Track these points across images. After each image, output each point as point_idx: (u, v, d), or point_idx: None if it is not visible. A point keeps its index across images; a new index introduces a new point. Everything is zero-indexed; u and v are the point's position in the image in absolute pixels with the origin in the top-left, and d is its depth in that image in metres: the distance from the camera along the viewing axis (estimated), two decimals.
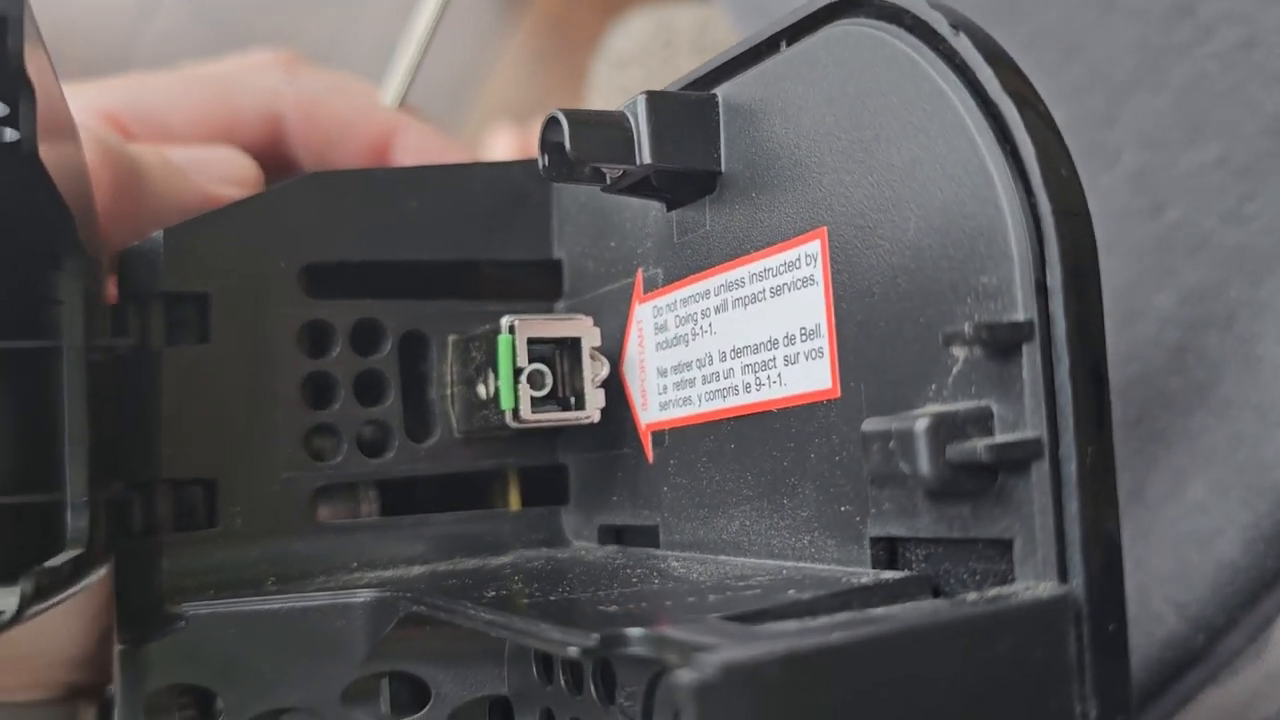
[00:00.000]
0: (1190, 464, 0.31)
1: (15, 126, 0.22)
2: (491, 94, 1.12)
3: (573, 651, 0.18)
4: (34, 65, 0.22)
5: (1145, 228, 0.33)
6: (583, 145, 0.25)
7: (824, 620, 0.18)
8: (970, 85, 0.20)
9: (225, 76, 0.38)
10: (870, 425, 0.20)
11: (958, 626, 0.17)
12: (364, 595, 0.26)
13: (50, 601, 0.25)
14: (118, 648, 0.27)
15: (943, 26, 0.20)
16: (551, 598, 0.23)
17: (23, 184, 0.23)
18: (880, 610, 0.19)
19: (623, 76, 0.70)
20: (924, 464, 0.19)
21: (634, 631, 0.17)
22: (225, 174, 0.35)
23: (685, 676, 0.15)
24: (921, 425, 0.19)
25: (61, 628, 0.31)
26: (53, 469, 0.27)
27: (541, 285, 0.32)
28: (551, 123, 0.25)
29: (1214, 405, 0.31)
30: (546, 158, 0.26)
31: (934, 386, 0.20)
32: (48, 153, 0.23)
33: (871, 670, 0.16)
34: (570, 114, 0.25)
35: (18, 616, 0.22)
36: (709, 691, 0.15)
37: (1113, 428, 0.19)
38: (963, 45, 0.20)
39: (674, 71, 0.71)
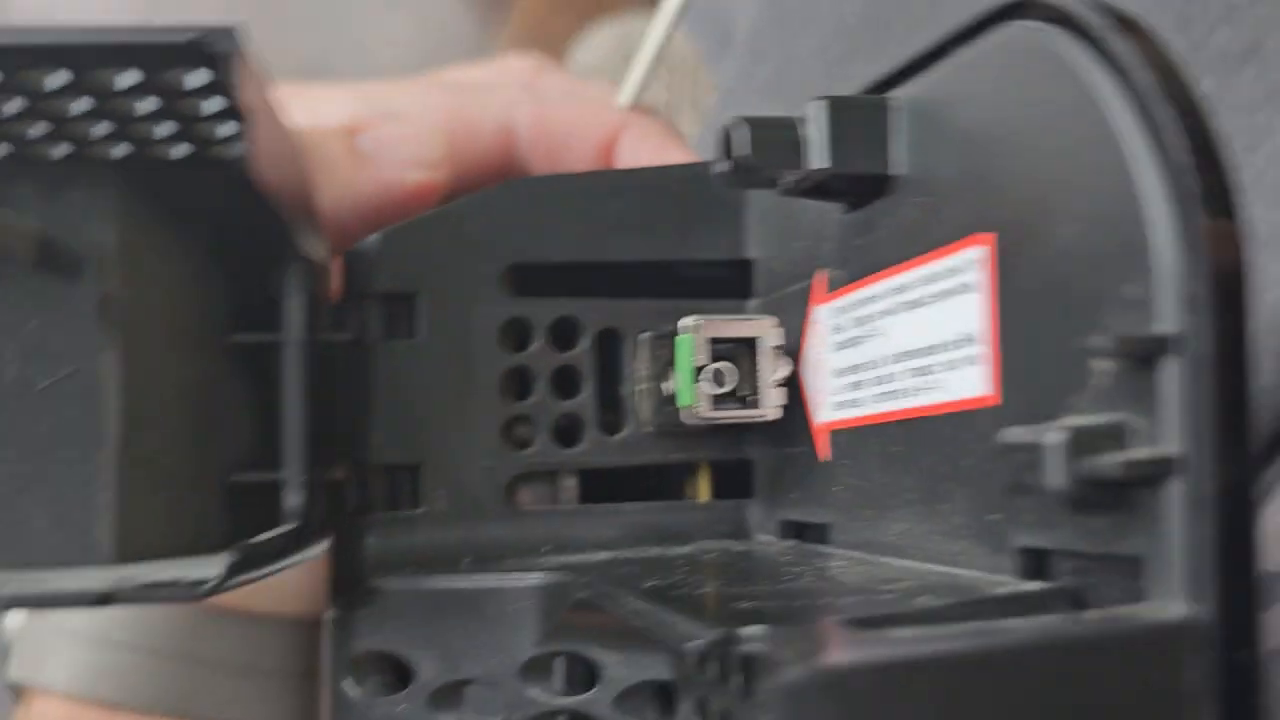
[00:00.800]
0: None
1: (237, 150, 0.25)
2: None
3: (689, 646, 0.19)
4: (251, 92, 0.24)
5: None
6: (761, 150, 0.26)
7: (940, 629, 0.18)
8: (1129, 91, 0.19)
9: (467, 87, 0.41)
10: (1008, 436, 0.20)
11: (1068, 643, 0.17)
12: (540, 578, 0.28)
13: (262, 571, 0.27)
14: (328, 614, 0.30)
15: (1103, 30, 0.20)
16: (700, 591, 0.23)
17: (247, 198, 0.26)
18: (1006, 622, 0.19)
19: None
20: (1054, 476, 0.19)
21: (748, 630, 0.18)
22: (411, 156, 0.36)
23: (776, 677, 0.15)
24: (1053, 438, 0.19)
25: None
26: (281, 452, 0.30)
27: (734, 284, 0.33)
28: (730, 128, 0.26)
29: None
30: (726, 164, 0.27)
31: (1078, 397, 0.20)
32: (265, 171, 0.25)
33: (968, 684, 0.16)
34: (750, 120, 0.26)
35: (220, 585, 0.24)
36: (795, 693, 0.15)
37: (1251, 453, 0.18)
38: (1122, 49, 0.20)
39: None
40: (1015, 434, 0.20)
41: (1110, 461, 0.18)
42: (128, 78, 0.24)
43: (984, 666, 0.17)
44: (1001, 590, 0.21)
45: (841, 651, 0.16)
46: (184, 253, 0.30)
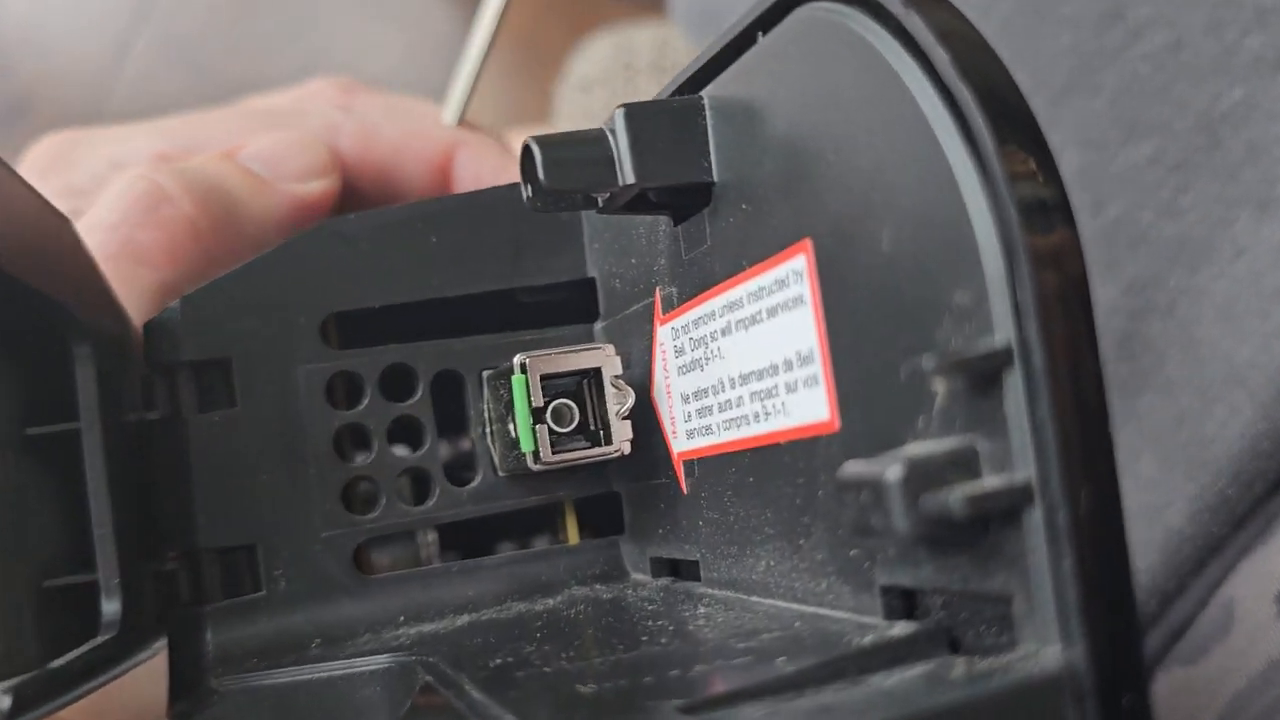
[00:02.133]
0: (1140, 442, 0.33)
1: None
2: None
3: None
4: None
5: (1088, 224, 0.35)
6: (557, 174, 0.23)
7: (795, 705, 0.16)
8: (928, 70, 0.17)
9: (281, 112, 0.38)
10: (847, 470, 0.18)
11: (937, 714, 0.15)
12: (384, 661, 0.25)
13: (72, 694, 0.24)
14: None
15: (893, 4, 0.18)
16: (547, 668, 0.21)
17: (13, 290, 0.23)
18: (875, 679, 0.17)
19: (587, 99, 0.70)
20: (898, 519, 0.16)
21: None
22: (304, 168, 0.34)
23: None
24: (892, 474, 0.16)
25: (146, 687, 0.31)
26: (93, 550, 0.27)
27: (577, 307, 0.31)
28: (526, 153, 0.24)
29: (1159, 387, 0.33)
30: (529, 189, 0.24)
31: (921, 420, 0.18)
32: (15, 261, 0.22)
33: None
34: (543, 141, 0.23)
35: None
36: None
37: (1116, 467, 0.16)
38: (914, 24, 0.17)
39: (636, 92, 0.69)
40: (852, 469, 0.18)
41: (957, 497, 0.16)
42: None
43: None
44: (867, 640, 0.18)
45: None
46: None
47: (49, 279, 0.25)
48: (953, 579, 0.18)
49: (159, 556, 0.29)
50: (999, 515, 0.16)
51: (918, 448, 0.17)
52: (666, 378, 0.27)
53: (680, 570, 0.28)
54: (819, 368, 0.20)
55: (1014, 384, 0.16)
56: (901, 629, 0.19)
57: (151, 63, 1.08)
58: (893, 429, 0.18)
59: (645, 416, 0.28)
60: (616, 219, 0.28)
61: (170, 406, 0.29)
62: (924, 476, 0.16)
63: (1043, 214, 0.16)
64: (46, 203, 0.26)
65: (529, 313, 0.31)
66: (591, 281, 0.31)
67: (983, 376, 0.16)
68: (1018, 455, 0.16)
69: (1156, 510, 0.32)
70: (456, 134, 0.37)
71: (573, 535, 0.31)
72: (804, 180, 0.20)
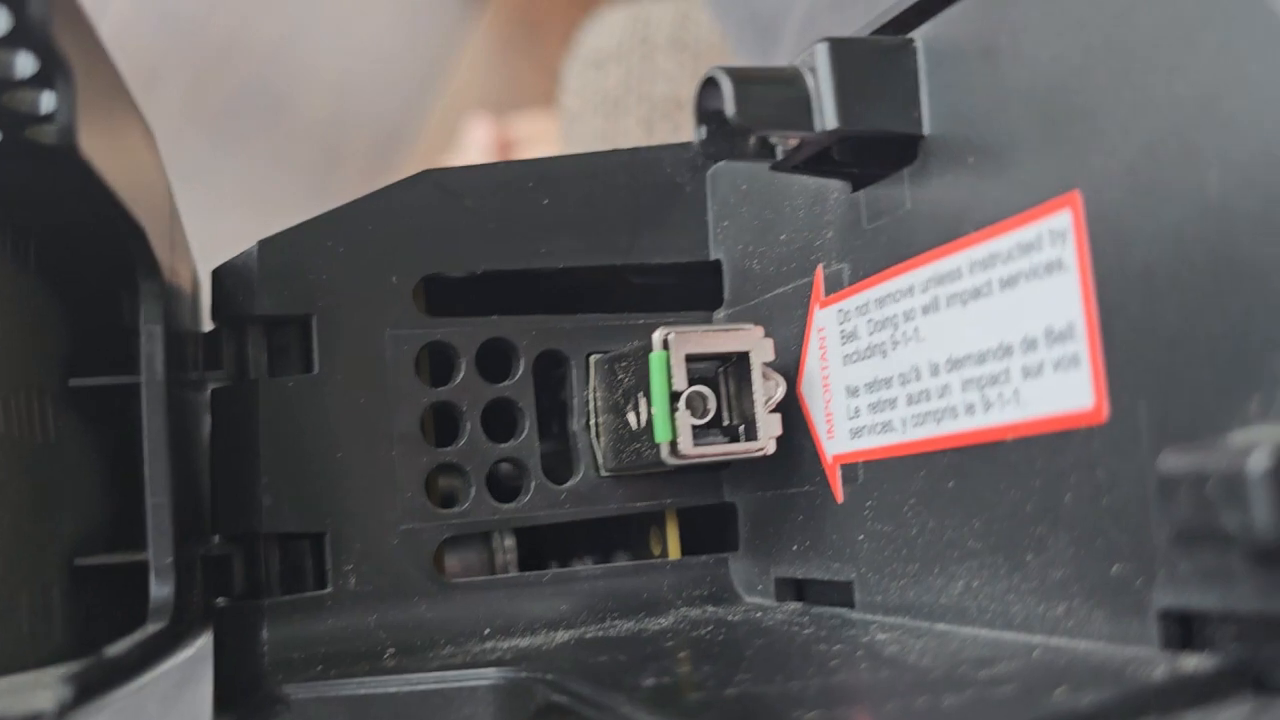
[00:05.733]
0: None
1: (60, 123, 0.18)
2: (457, 83, 1.08)
3: None
4: (70, 38, 0.17)
5: None
6: (750, 109, 0.20)
7: None
8: None
9: None
10: (1172, 462, 0.14)
11: None
12: (493, 676, 0.21)
13: (122, 690, 0.21)
14: None
15: None
16: (729, 690, 0.17)
17: (75, 186, 0.19)
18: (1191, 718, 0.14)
19: (600, 76, 0.66)
20: (1263, 515, 0.13)
21: None
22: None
23: None
24: (1258, 462, 0.13)
25: None
26: (143, 526, 0.24)
27: (698, 292, 0.27)
28: (708, 85, 0.20)
29: None
30: (704, 130, 0.21)
31: (1258, 400, 0.14)
32: (101, 154, 0.19)
33: None
34: (734, 72, 0.20)
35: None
36: None
37: None
38: None
39: (654, 70, 0.65)
40: (1180, 459, 0.14)
41: None
42: None
43: None
44: (1155, 674, 0.15)
45: None
46: (4, 277, 0.23)
47: (129, 187, 0.21)
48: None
49: (210, 540, 0.26)
50: None
51: (1271, 432, 0.14)
52: (825, 368, 0.23)
53: (809, 595, 0.25)
54: (1082, 346, 0.17)
55: None
56: (1197, 662, 0.15)
57: (130, 20, 1.04)
58: (1208, 415, 0.15)
59: (787, 414, 0.24)
60: (763, 192, 0.25)
61: (238, 367, 0.25)
62: None
63: None
64: (139, 113, 0.22)
65: (642, 295, 0.28)
66: (716, 265, 0.27)
67: None
68: None
69: None
70: None
71: (674, 549, 0.27)
72: (1074, 123, 0.17)
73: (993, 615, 0.19)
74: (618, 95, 0.66)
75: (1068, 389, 0.17)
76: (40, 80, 0.18)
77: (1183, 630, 0.16)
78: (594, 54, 0.69)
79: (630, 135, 0.65)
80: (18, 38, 0.17)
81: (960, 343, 0.19)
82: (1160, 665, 0.15)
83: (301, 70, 1.07)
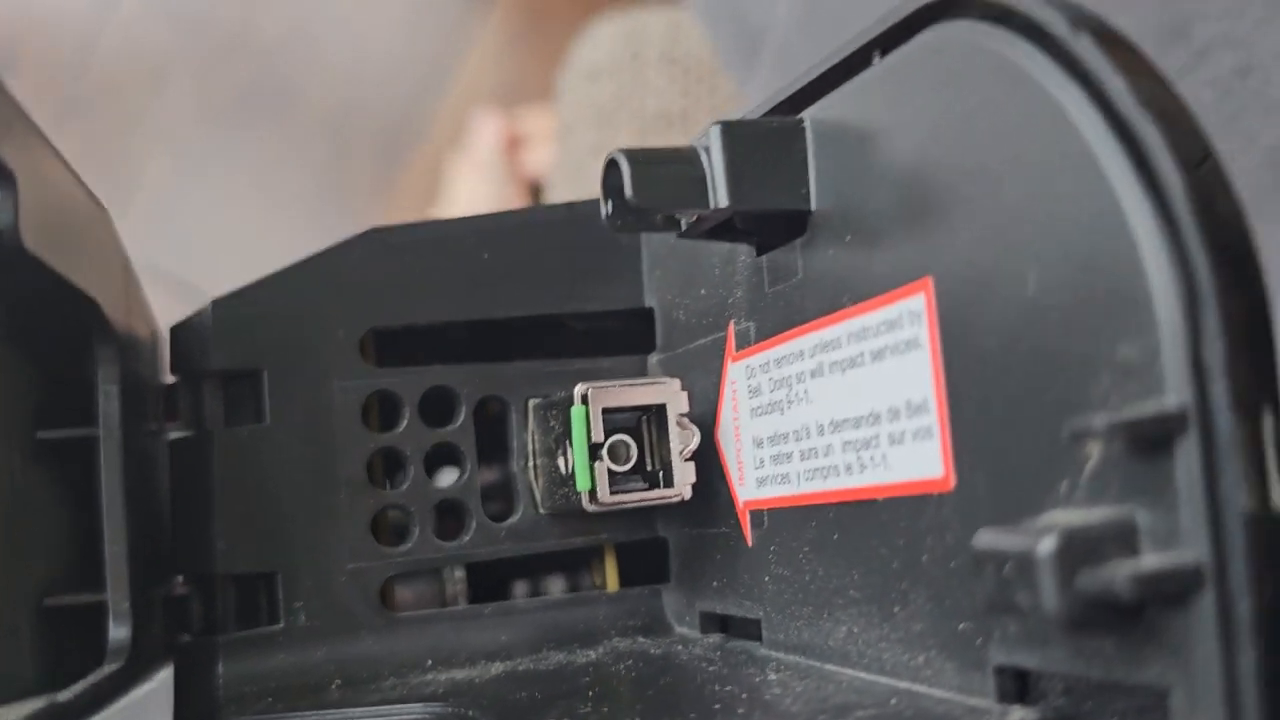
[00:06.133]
0: None
1: (4, 219, 0.20)
2: (467, 76, 1.09)
3: None
4: (12, 146, 0.19)
5: None
6: (648, 191, 0.21)
7: None
8: (1097, 100, 0.16)
9: None
10: (984, 540, 0.16)
11: None
12: (419, 711, 0.23)
13: None
14: None
15: (1059, 26, 0.16)
16: None
17: (28, 271, 0.21)
18: None
19: (593, 89, 0.67)
20: (1049, 597, 0.14)
21: None
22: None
23: None
24: (1046, 547, 0.14)
25: None
26: (103, 569, 0.25)
27: (633, 337, 0.29)
28: (611, 166, 0.22)
29: None
30: (610, 205, 0.22)
31: (1065, 484, 0.16)
32: (45, 242, 0.20)
33: None
34: (632, 155, 0.22)
35: None
36: None
37: None
38: (1085, 48, 0.16)
39: (645, 85, 0.66)
40: (991, 538, 0.16)
41: (1121, 575, 0.14)
42: None
43: None
44: None
45: None
46: None
47: (78, 268, 0.23)
48: (1090, 665, 0.16)
49: (170, 580, 0.27)
50: (1165, 600, 0.14)
51: (1067, 516, 0.15)
52: (736, 419, 0.25)
53: (733, 627, 0.26)
54: (934, 419, 0.19)
55: (1188, 452, 0.14)
56: (1020, 715, 0.17)
57: (139, 17, 1.05)
58: (1027, 493, 0.16)
59: (707, 458, 0.26)
60: (686, 246, 0.27)
61: (194, 418, 0.27)
62: (1081, 550, 0.14)
63: (1235, 262, 0.14)
64: (86, 189, 0.24)
65: (580, 341, 0.29)
66: (649, 312, 0.29)
67: (1148, 441, 0.15)
68: (1187, 532, 0.14)
69: None
70: None
71: (612, 581, 0.29)
72: (928, 214, 0.19)
73: (869, 660, 0.21)
74: (610, 109, 0.67)
75: (923, 458, 0.19)
76: None
77: (1018, 685, 0.18)
78: (588, 66, 0.70)
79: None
80: None
81: (841, 407, 0.21)
82: (993, 716, 0.17)
83: (310, 64, 1.08)
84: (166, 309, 0.30)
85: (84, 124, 1.05)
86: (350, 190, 1.09)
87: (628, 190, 0.21)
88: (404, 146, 1.10)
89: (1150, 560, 0.14)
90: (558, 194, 0.68)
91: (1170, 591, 0.14)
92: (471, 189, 0.94)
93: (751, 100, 0.56)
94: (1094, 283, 0.15)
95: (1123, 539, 0.15)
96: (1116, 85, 0.15)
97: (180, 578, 0.27)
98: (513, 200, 0.91)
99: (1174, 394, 0.14)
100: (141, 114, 1.06)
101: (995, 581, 0.15)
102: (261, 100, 1.07)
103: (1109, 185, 0.15)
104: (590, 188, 0.67)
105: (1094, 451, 0.15)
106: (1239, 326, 0.14)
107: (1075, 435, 0.15)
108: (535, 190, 0.92)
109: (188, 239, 1.03)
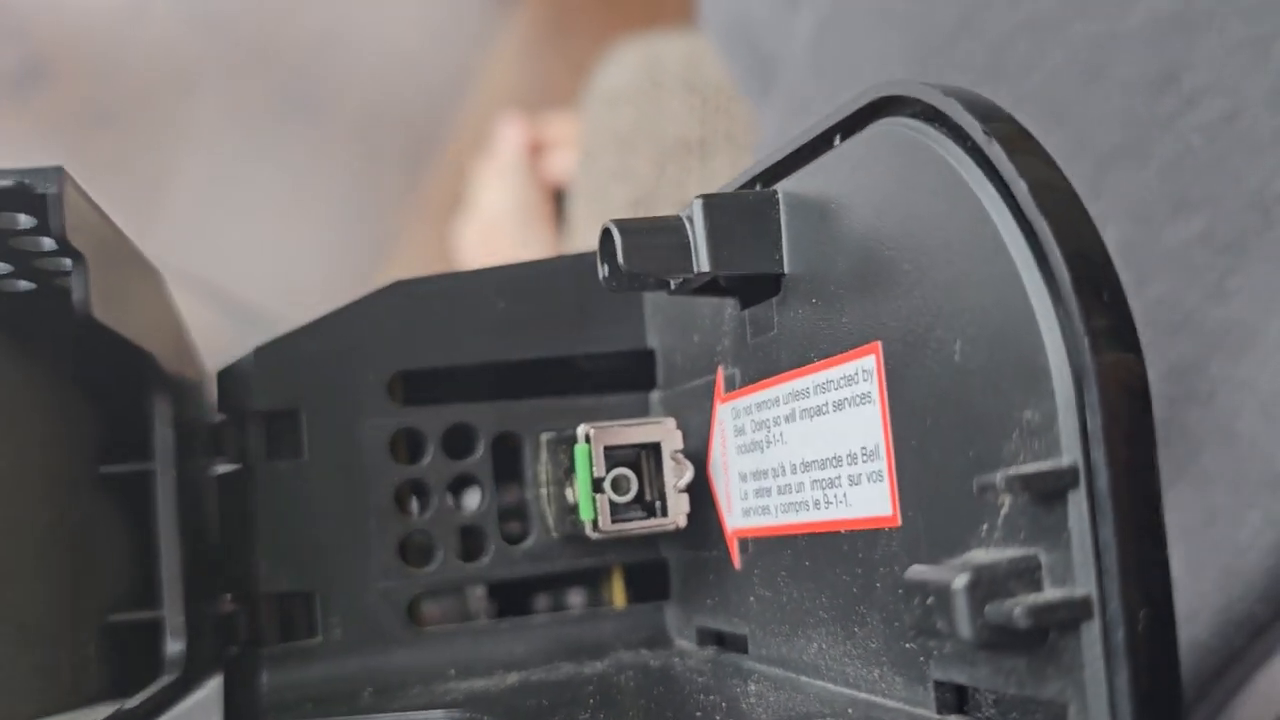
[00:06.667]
0: (1169, 535, 0.31)
1: (77, 287, 0.23)
2: (491, 82, 1.11)
3: None
4: (82, 232, 0.22)
5: (1129, 303, 0.33)
6: (638, 258, 0.24)
7: None
8: (1007, 198, 0.18)
9: None
10: (913, 574, 0.18)
11: None
12: (438, 717, 0.26)
13: None
14: None
15: (976, 132, 0.19)
16: None
17: (95, 331, 0.24)
18: None
19: (613, 116, 0.69)
20: (963, 625, 0.17)
21: None
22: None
23: None
24: (960, 582, 0.17)
25: None
26: (159, 589, 0.28)
27: (636, 376, 0.32)
28: (605, 236, 0.25)
29: (1193, 479, 0.32)
30: (605, 268, 0.25)
31: (986, 527, 0.19)
32: (109, 309, 0.23)
33: None
34: (623, 226, 0.24)
35: None
36: None
37: (1171, 584, 0.17)
38: (995, 154, 0.18)
39: (663, 112, 0.68)
40: (919, 572, 0.18)
41: (1021, 608, 0.17)
42: None
43: None
44: None
45: None
46: (42, 385, 0.28)
47: (137, 328, 0.26)
48: (1007, 682, 0.18)
49: (220, 598, 0.30)
50: (1058, 626, 0.17)
51: (982, 555, 0.18)
52: (724, 455, 0.27)
53: (726, 641, 0.29)
54: (883, 465, 0.21)
55: (1078, 503, 0.17)
56: None
57: (169, 24, 1.09)
58: (956, 533, 0.19)
59: (700, 489, 0.28)
60: (679, 298, 0.29)
61: (239, 453, 0.30)
62: (989, 585, 0.17)
63: (1113, 343, 0.17)
64: (140, 254, 0.27)
65: (589, 379, 0.32)
66: (651, 353, 0.32)
67: (1048, 493, 0.17)
68: (1079, 570, 0.17)
69: (1184, 619, 0.30)
70: None
71: (619, 599, 0.32)
72: (876, 285, 0.21)
73: (835, 674, 0.23)
74: (629, 135, 0.69)
75: (876, 497, 0.22)
76: (59, 253, 0.23)
77: (956, 697, 0.20)
78: (608, 93, 0.72)
79: (641, 175, 0.68)
80: (42, 229, 0.22)
81: (809, 449, 0.24)
82: None
83: (339, 69, 1.10)
84: (197, 314, 0.33)
85: (116, 129, 1.09)
86: (378, 193, 1.11)
87: (620, 258, 0.24)
88: (430, 151, 1.12)
89: (1048, 594, 0.17)
90: (580, 215, 0.71)
91: (1063, 619, 0.17)
92: (495, 192, 0.96)
93: (766, 127, 0.58)
94: (1006, 354, 0.18)
95: (1027, 575, 0.17)
96: (1020, 189, 0.18)
97: (228, 596, 0.30)
98: (536, 203, 0.93)
99: (1068, 454, 0.17)
100: (172, 119, 1.09)
101: (922, 609, 0.18)
102: (291, 105, 1.10)
103: (1016, 272, 0.18)
104: (611, 210, 0.69)
105: (1006, 501, 0.18)
106: (1117, 398, 0.17)
107: (981, 488, 0.18)
108: (557, 194, 0.94)
109: (218, 243, 1.06)
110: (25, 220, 0.22)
